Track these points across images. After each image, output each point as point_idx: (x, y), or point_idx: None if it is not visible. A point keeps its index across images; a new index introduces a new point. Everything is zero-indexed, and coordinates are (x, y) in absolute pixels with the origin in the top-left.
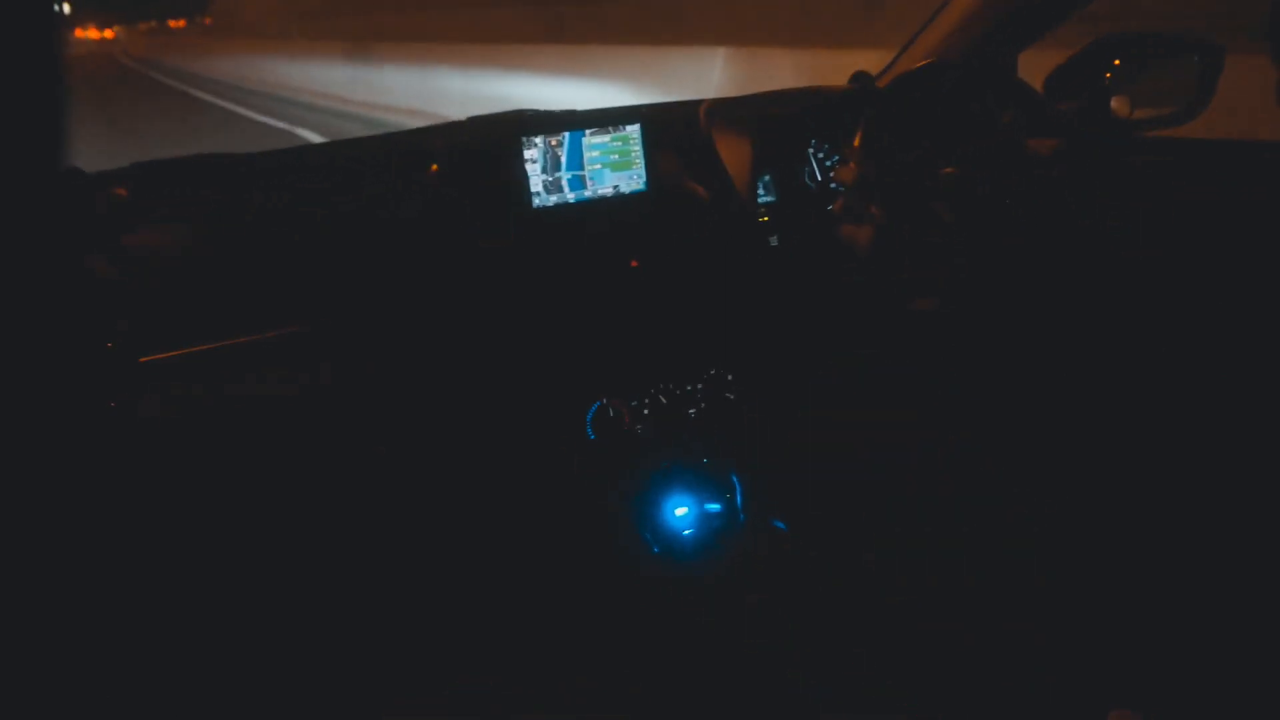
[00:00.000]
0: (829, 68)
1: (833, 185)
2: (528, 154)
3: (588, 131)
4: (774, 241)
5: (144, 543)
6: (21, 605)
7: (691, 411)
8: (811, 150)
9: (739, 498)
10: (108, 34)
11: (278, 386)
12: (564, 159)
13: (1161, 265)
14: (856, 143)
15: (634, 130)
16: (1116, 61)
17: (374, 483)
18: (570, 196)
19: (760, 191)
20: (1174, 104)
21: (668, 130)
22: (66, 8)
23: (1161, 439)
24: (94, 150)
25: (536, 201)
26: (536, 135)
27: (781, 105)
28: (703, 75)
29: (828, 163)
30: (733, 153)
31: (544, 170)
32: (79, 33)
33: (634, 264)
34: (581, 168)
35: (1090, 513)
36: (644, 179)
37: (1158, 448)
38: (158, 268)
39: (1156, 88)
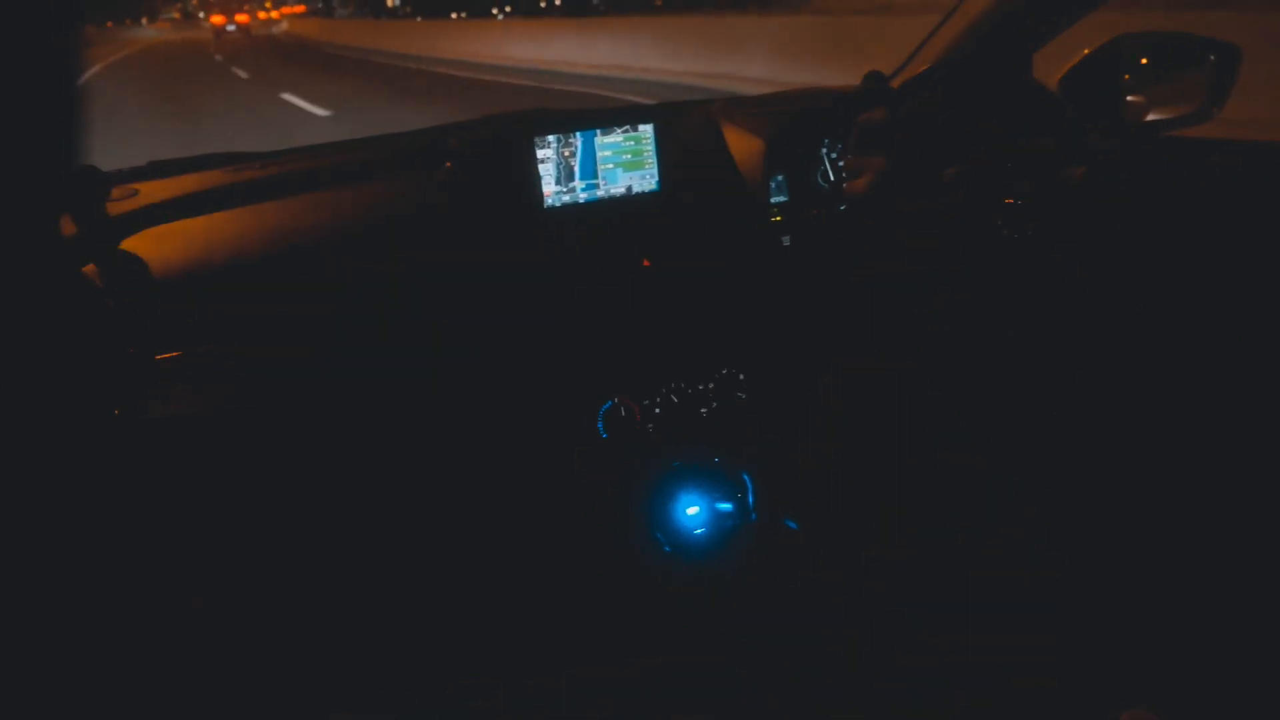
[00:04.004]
0: None
1: (840, 164)
2: (540, 153)
3: (601, 131)
4: (786, 241)
5: (152, 541)
6: (24, 599)
7: (703, 411)
8: (824, 150)
9: (750, 497)
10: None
11: (288, 382)
12: (577, 158)
13: (1174, 267)
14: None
15: (647, 130)
16: (1133, 61)
17: (386, 482)
18: (582, 196)
19: (773, 191)
20: (1190, 104)
21: (681, 130)
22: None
23: (1172, 436)
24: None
25: (549, 200)
26: (549, 134)
27: (794, 105)
28: None
29: (840, 163)
30: (745, 152)
31: (557, 169)
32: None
33: (646, 263)
34: (594, 167)
35: (1101, 509)
36: (657, 179)
37: (1169, 445)
38: (172, 266)
39: (1172, 88)
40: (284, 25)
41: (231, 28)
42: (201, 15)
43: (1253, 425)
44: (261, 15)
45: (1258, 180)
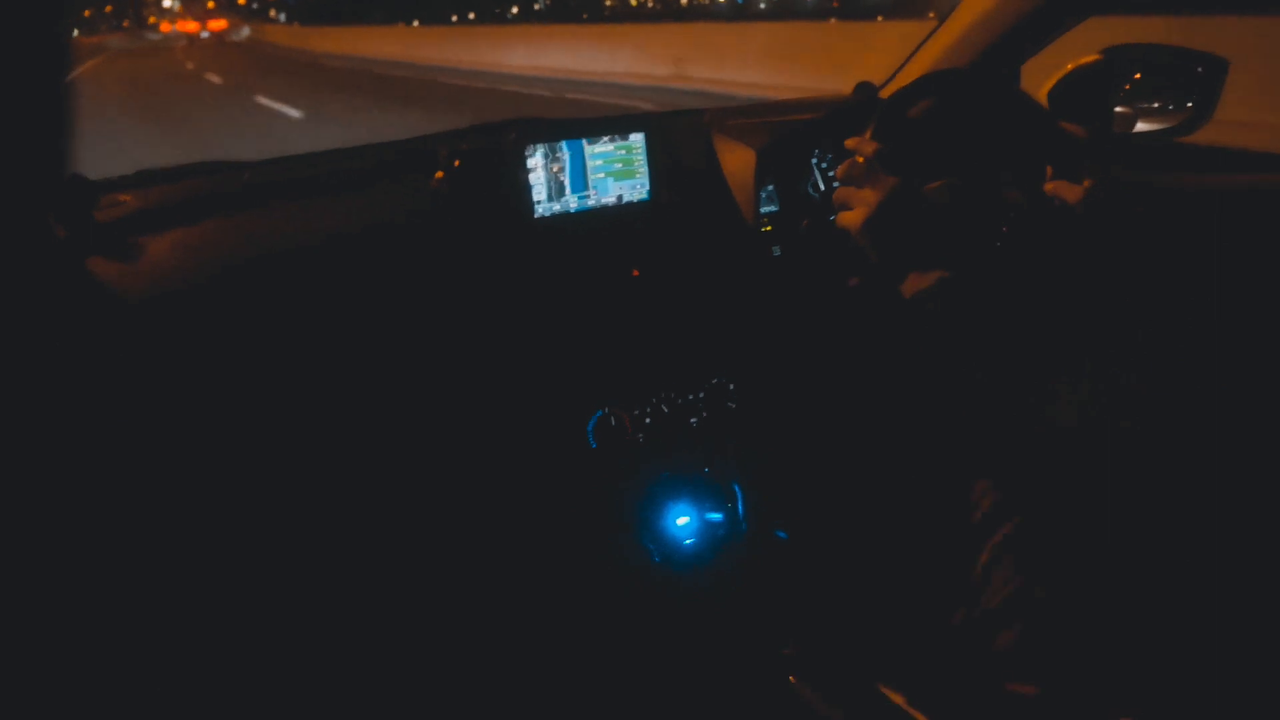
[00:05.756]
0: None
1: (836, 184)
2: (530, 162)
3: (591, 140)
4: (776, 251)
5: (141, 541)
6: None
7: (693, 421)
8: (815, 160)
9: (740, 507)
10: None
11: (275, 394)
12: (567, 167)
13: (1169, 273)
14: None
15: (638, 139)
16: (1120, 73)
17: (373, 493)
18: (573, 205)
19: (763, 201)
20: (1177, 116)
21: (671, 139)
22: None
23: (1170, 438)
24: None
25: (539, 210)
26: (540, 143)
27: (786, 114)
28: None
29: (830, 173)
30: (736, 162)
31: (547, 178)
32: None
33: (636, 273)
34: (584, 176)
35: (1100, 510)
36: (647, 188)
37: (1167, 446)
38: (159, 274)
39: (1160, 100)
40: (246, 32)
41: (206, 35)
42: (152, 21)
43: (1252, 429)
44: (218, 24)
45: (1250, 187)
